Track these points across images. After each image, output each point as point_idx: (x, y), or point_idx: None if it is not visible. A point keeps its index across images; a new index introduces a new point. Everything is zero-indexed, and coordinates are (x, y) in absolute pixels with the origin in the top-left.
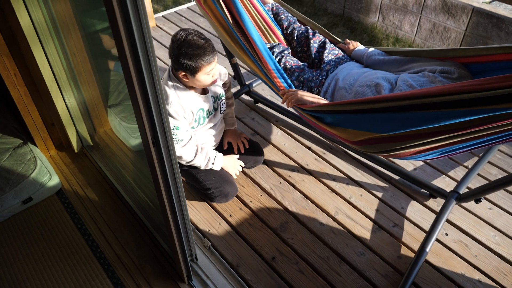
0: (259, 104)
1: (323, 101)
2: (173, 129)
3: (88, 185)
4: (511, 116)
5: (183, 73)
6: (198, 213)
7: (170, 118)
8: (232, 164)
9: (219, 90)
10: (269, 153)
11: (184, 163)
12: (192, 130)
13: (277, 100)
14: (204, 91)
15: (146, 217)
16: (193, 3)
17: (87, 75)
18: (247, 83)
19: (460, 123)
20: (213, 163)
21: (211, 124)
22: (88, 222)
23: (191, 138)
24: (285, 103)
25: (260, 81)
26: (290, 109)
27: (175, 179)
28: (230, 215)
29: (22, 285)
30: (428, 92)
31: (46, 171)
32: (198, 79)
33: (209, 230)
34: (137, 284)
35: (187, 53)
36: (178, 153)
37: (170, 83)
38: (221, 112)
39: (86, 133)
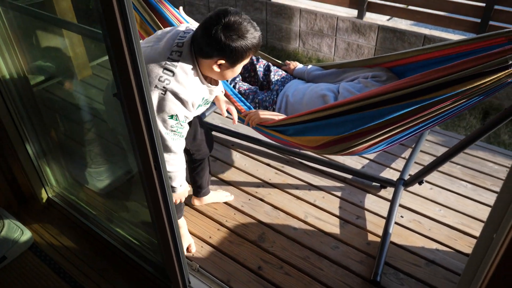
0: (213, 133)
1: (282, 116)
2: (182, 121)
3: (61, 234)
4: (436, 104)
5: (222, 62)
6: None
7: (181, 106)
8: (183, 195)
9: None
10: (233, 175)
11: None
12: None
13: (228, 126)
14: (216, 82)
15: (134, 253)
16: None
17: (47, 127)
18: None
19: (399, 116)
20: (181, 185)
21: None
22: (70, 269)
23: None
24: (248, 123)
25: (210, 111)
26: (243, 131)
27: (171, 204)
28: (210, 237)
29: None
30: (368, 94)
31: (16, 227)
32: (235, 69)
33: (193, 254)
34: None
35: (242, 37)
36: (174, 150)
37: (190, 65)
38: None
39: (52, 184)
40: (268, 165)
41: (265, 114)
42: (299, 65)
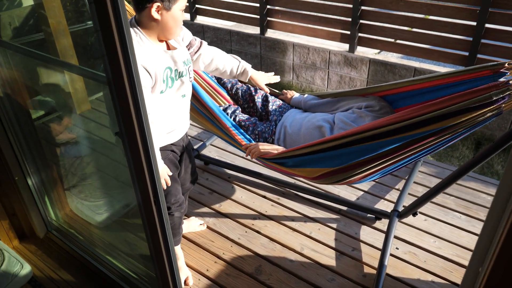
0: (210, 165)
1: (281, 149)
2: None
3: (61, 268)
4: (427, 137)
5: (158, 5)
6: None
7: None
8: (165, 171)
9: (186, 53)
10: (229, 207)
11: None
12: (160, 96)
13: (225, 159)
14: (169, 47)
15: (129, 285)
16: None
17: (48, 162)
18: (195, 147)
19: (391, 149)
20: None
21: (183, 93)
22: None
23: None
24: (249, 155)
25: (207, 144)
26: (239, 163)
27: (169, 237)
28: (207, 270)
29: None
30: (362, 129)
31: (16, 261)
32: (174, 14)
33: (190, 287)
34: None
35: None
36: None
37: (131, 31)
38: (190, 79)
39: (51, 218)
40: (264, 197)
41: (265, 148)
42: (296, 94)
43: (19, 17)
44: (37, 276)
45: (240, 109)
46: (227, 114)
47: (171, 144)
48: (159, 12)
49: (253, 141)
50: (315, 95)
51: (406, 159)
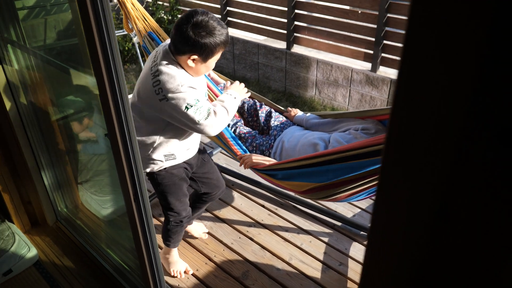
0: None
1: (273, 161)
2: (195, 104)
3: (64, 255)
4: None
5: (195, 57)
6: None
7: (189, 92)
8: (242, 91)
9: None
10: (228, 213)
11: (220, 128)
12: None
13: (232, 167)
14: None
15: (123, 278)
16: None
17: (62, 157)
18: None
19: (378, 168)
20: (235, 98)
21: None
22: None
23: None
24: (242, 166)
25: (216, 151)
26: (244, 172)
27: (150, 232)
28: (197, 270)
29: None
30: (351, 146)
31: (24, 244)
32: (208, 64)
33: (178, 285)
34: None
35: (209, 34)
36: (215, 125)
37: (172, 65)
38: None
39: (61, 208)
40: (263, 206)
41: (257, 159)
42: (299, 113)
43: (64, 21)
44: (42, 260)
45: (242, 122)
46: (228, 125)
47: (184, 162)
48: (194, 61)
49: (248, 152)
50: (317, 114)
51: None
